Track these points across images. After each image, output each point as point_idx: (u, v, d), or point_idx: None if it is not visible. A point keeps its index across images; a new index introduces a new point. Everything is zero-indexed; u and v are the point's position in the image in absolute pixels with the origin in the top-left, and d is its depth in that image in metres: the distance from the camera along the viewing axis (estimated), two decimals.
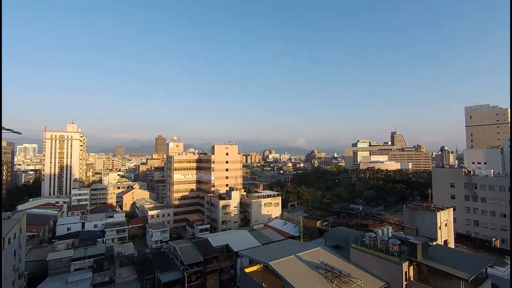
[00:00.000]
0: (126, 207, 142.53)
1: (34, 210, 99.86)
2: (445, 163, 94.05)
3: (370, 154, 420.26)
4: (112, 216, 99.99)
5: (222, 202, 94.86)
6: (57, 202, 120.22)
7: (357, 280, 32.88)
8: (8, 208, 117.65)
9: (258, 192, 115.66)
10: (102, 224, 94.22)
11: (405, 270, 33.72)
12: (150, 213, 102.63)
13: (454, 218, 59.71)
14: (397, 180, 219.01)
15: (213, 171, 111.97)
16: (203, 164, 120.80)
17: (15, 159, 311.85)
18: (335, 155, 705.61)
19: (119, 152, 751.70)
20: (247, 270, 41.44)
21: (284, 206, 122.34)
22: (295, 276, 33.17)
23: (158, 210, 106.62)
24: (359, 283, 32.60)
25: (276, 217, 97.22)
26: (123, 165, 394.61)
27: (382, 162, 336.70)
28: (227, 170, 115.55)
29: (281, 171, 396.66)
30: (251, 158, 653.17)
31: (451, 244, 53.35)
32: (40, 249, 65.96)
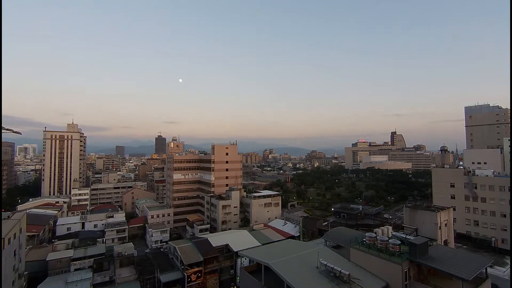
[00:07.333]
0: (126, 207, 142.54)
1: (34, 210, 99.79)
2: (445, 163, 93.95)
3: (370, 154, 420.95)
4: (112, 216, 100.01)
5: (222, 202, 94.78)
6: (57, 202, 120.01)
7: (357, 280, 32.86)
8: (8, 208, 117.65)
9: (258, 192, 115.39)
10: (102, 224, 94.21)
11: (405, 270, 33.70)
12: (150, 213, 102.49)
13: (454, 218, 59.77)
14: (397, 180, 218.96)
15: (213, 171, 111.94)
16: (203, 164, 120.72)
17: (15, 159, 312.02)
18: (335, 155, 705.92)
19: (119, 152, 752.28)
20: (247, 270, 41.45)
21: (284, 206, 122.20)
22: (295, 276, 33.16)
23: (158, 210, 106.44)
24: (359, 283, 32.59)
25: (276, 217, 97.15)
26: (123, 165, 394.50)
27: (382, 162, 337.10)
28: (227, 170, 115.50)
29: (281, 171, 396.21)
30: (251, 158, 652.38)
31: (451, 244, 53.38)
32: (40, 249, 65.96)
